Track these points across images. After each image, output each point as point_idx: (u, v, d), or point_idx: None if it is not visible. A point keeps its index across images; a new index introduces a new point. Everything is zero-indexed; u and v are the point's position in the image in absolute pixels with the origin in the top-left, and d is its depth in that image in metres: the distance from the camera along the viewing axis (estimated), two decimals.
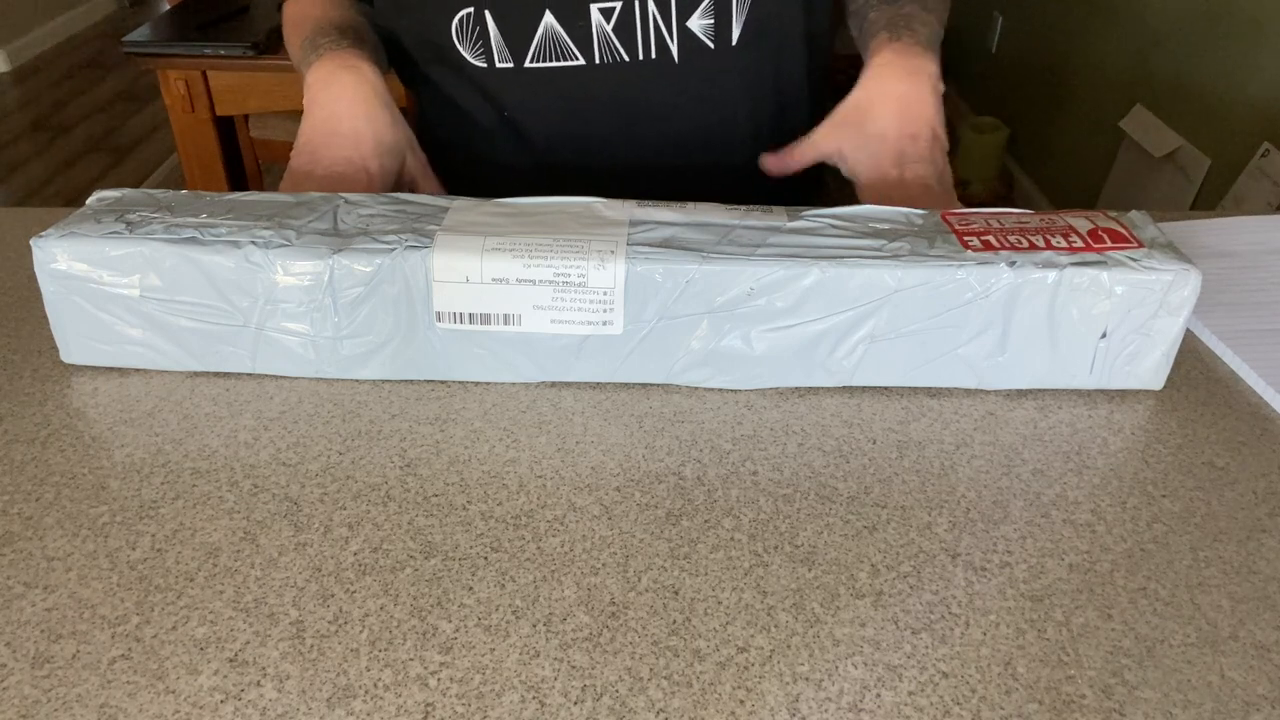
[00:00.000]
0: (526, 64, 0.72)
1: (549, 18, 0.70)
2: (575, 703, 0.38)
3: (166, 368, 0.56)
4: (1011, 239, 0.53)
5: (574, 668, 0.39)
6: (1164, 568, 0.44)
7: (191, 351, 0.55)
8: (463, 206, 0.56)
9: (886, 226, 0.55)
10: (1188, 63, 1.74)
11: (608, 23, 0.70)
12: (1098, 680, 0.39)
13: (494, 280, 0.51)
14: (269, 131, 1.77)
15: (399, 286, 0.52)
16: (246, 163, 1.77)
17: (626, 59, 0.72)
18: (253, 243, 0.52)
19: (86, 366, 0.56)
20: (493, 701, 0.38)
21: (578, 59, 0.72)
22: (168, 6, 1.78)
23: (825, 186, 0.95)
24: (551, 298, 0.51)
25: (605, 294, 0.51)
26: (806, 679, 0.39)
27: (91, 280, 0.53)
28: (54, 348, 0.57)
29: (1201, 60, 1.70)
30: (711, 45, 0.73)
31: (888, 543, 0.45)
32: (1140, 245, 0.53)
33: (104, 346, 0.55)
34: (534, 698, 0.38)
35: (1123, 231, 0.54)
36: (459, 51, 0.73)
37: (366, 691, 0.38)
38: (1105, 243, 0.53)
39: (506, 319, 0.52)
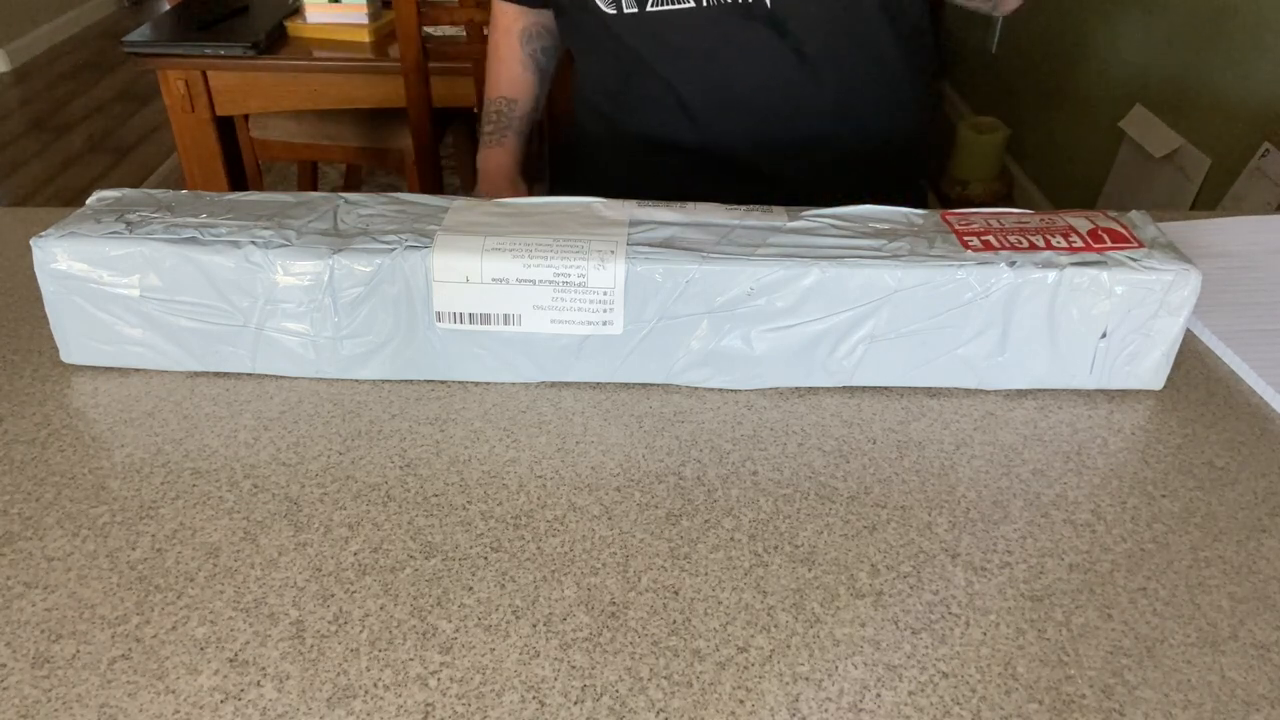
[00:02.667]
0: (648, 9, 0.80)
1: None
2: (575, 703, 0.38)
3: (166, 368, 0.56)
4: (1011, 239, 0.53)
5: (574, 668, 0.39)
6: (1164, 568, 0.44)
7: (191, 351, 0.55)
8: (462, 206, 0.56)
9: (886, 226, 0.55)
10: (1188, 63, 1.74)
11: None
12: (1098, 680, 0.39)
13: (494, 280, 0.51)
14: (269, 131, 1.77)
15: (399, 286, 0.52)
16: (246, 163, 1.77)
17: (728, 1, 0.78)
18: (253, 243, 0.52)
19: (86, 366, 0.56)
20: (493, 701, 0.38)
21: (688, 1, 0.79)
22: (168, 6, 1.78)
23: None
24: (551, 298, 0.51)
25: (605, 294, 0.51)
26: (806, 679, 0.39)
27: (91, 280, 0.53)
28: (54, 348, 0.57)
29: (1201, 60, 1.70)
30: None
31: (888, 543, 0.45)
32: (1140, 245, 0.53)
33: (104, 346, 0.55)
34: (534, 698, 0.38)
35: (1123, 231, 0.54)
36: (594, 1, 0.82)
37: (366, 691, 0.38)
38: (1105, 243, 0.53)
39: (506, 319, 0.52)
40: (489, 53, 0.99)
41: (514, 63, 0.97)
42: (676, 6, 0.80)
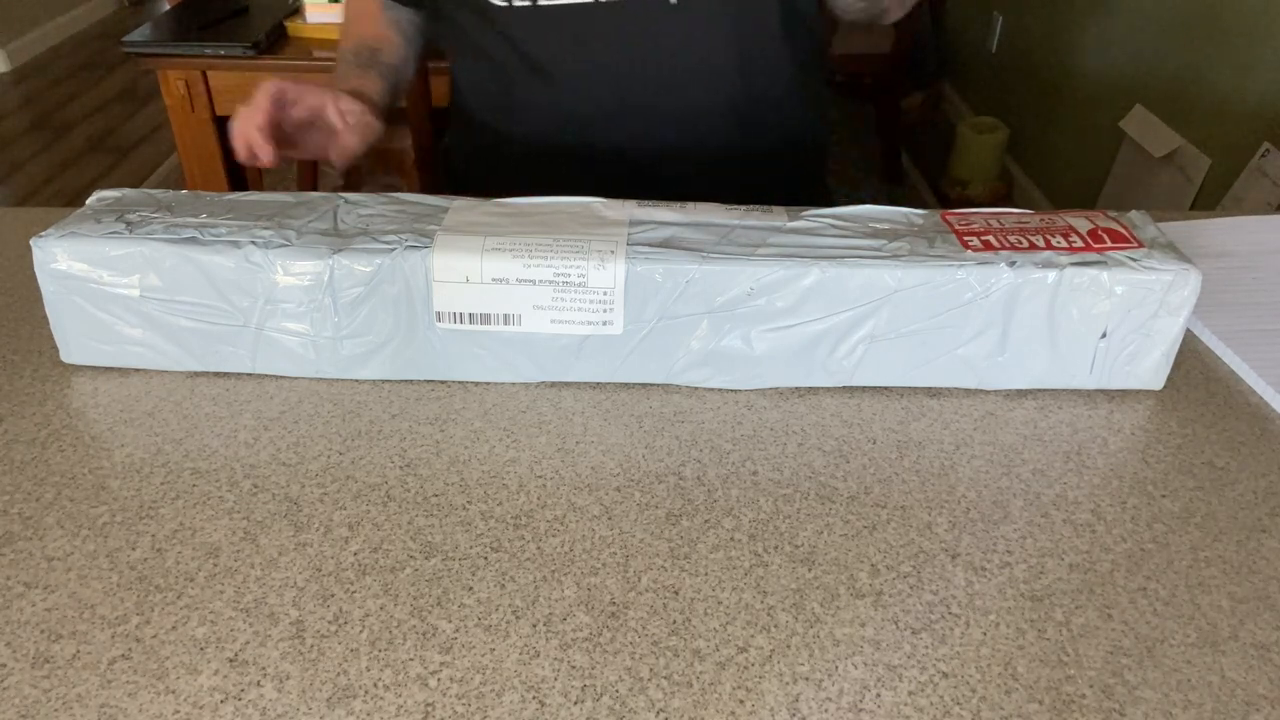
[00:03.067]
0: (540, 1, 0.77)
1: None
2: (575, 703, 0.38)
3: (166, 368, 0.56)
4: (1011, 239, 0.53)
5: (574, 668, 0.39)
6: (1164, 568, 0.44)
7: (191, 351, 0.55)
8: (463, 206, 0.56)
9: (886, 226, 0.55)
10: (1188, 63, 1.74)
11: None
12: (1098, 680, 0.39)
13: (494, 280, 0.51)
14: None
15: (399, 286, 0.52)
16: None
17: None
18: (253, 243, 0.52)
19: (86, 366, 0.56)
20: (493, 701, 0.38)
21: None
22: (168, 6, 1.78)
23: (828, 190, 0.97)
24: (551, 298, 0.51)
25: (605, 294, 0.51)
26: (806, 679, 0.39)
27: (91, 280, 0.53)
28: (54, 348, 0.57)
29: (1201, 60, 1.70)
30: None
31: (888, 543, 0.45)
32: (1140, 245, 0.53)
33: (104, 346, 0.55)
34: (534, 698, 0.38)
35: (1123, 231, 0.54)
36: None
37: (366, 691, 0.38)
38: (1105, 243, 0.53)
39: (506, 319, 0.52)
40: (344, 15, 0.89)
41: (375, 21, 0.87)
42: (572, 1, 0.76)
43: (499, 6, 0.77)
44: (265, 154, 0.65)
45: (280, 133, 0.68)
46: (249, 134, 0.65)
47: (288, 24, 1.61)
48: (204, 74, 1.58)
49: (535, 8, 0.77)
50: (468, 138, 0.91)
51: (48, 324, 0.55)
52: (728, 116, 0.82)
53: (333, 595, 0.42)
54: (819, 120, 0.91)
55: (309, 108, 0.69)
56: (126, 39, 1.55)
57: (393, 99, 0.85)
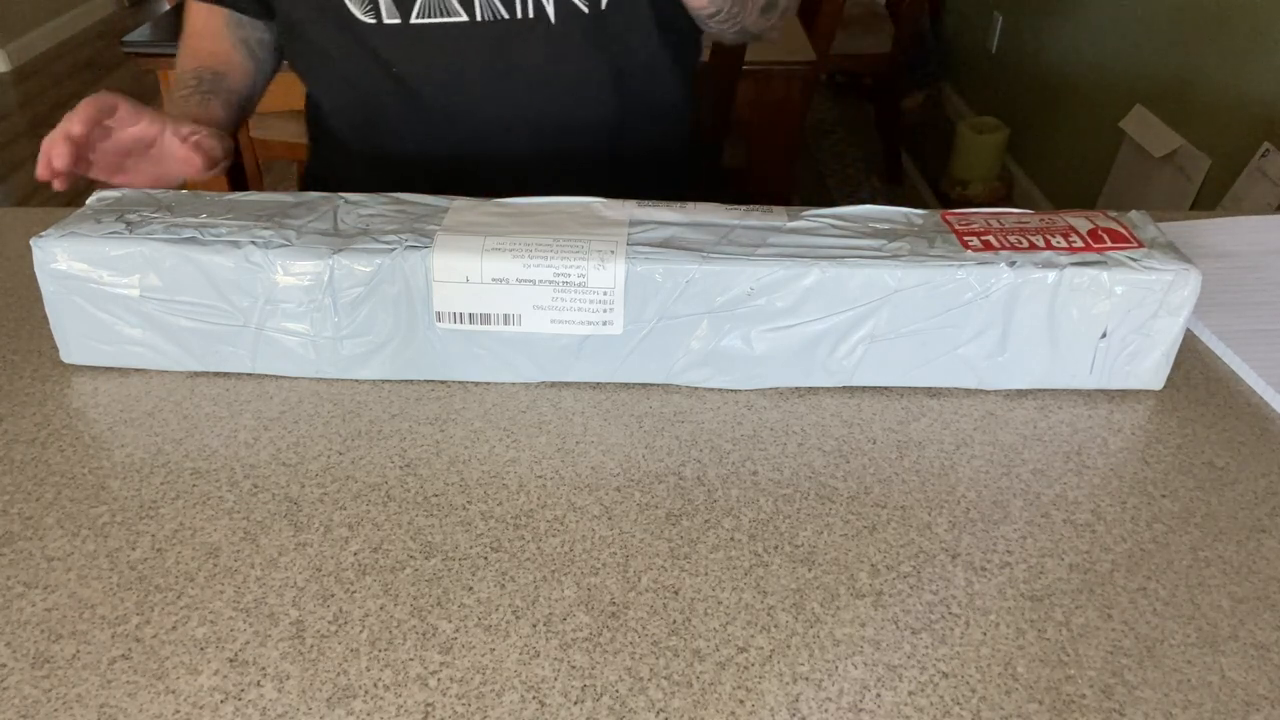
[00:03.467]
0: (412, 19, 0.74)
1: None
2: (575, 703, 0.38)
3: (166, 368, 0.56)
4: (1011, 239, 0.53)
5: (574, 668, 0.39)
6: (1164, 568, 0.44)
7: (191, 351, 0.55)
8: (463, 206, 0.56)
9: (886, 226, 0.55)
10: (1188, 63, 1.74)
11: None
12: (1098, 680, 0.39)
13: (494, 280, 0.51)
14: (269, 131, 1.77)
15: (399, 286, 0.52)
16: (246, 163, 1.77)
17: (506, 16, 0.74)
18: (253, 243, 0.52)
19: (86, 366, 0.56)
20: (493, 701, 0.38)
21: (460, 15, 0.74)
22: (168, 6, 1.78)
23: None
24: (551, 298, 0.51)
25: (605, 294, 0.51)
26: (806, 679, 0.39)
27: (91, 280, 0.53)
28: (54, 348, 0.57)
29: (1201, 60, 1.70)
30: (585, 10, 0.75)
31: (888, 543, 0.45)
32: (1140, 245, 0.53)
33: (104, 346, 0.55)
34: (534, 698, 0.38)
35: (1123, 231, 0.54)
36: (348, 9, 0.75)
37: (366, 691, 0.38)
38: (1105, 243, 0.53)
39: (506, 319, 0.52)
40: (181, 38, 0.83)
41: (220, 41, 0.81)
42: (447, 19, 0.74)
43: (367, 24, 0.75)
44: (60, 162, 0.59)
45: (102, 153, 0.64)
46: (52, 143, 0.60)
47: None
48: None
49: (406, 25, 0.75)
50: (332, 161, 0.87)
51: (48, 324, 0.55)
52: (599, 130, 0.82)
53: (333, 595, 0.42)
54: (686, 129, 0.92)
55: (138, 135, 0.65)
56: (126, 39, 1.55)
57: (237, 127, 0.80)
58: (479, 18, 0.74)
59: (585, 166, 0.83)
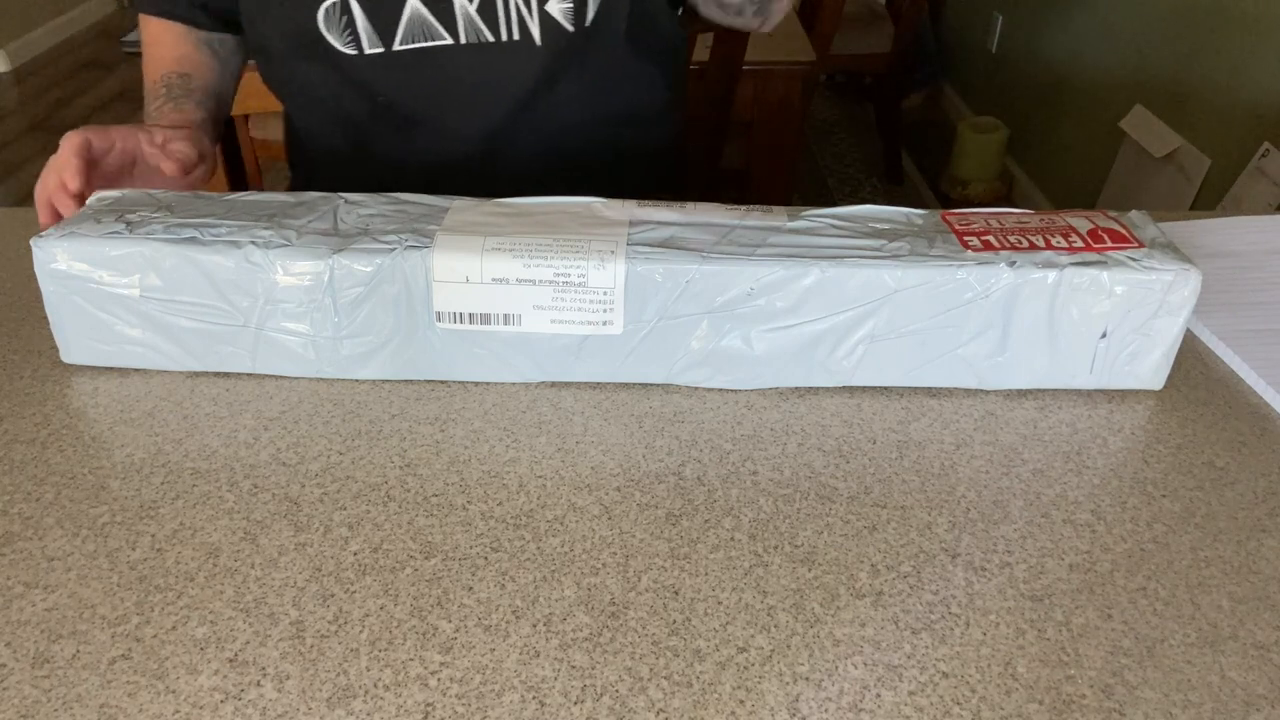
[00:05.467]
0: (395, 47, 0.74)
1: (413, 1, 0.72)
2: (575, 703, 0.38)
3: (166, 368, 0.56)
4: (1011, 239, 0.53)
5: (574, 668, 0.39)
6: (1164, 568, 0.44)
7: (191, 351, 0.55)
8: (463, 206, 0.56)
9: (886, 226, 0.55)
10: (1188, 63, 1.74)
11: (470, 3, 0.72)
12: (1098, 680, 0.39)
13: (494, 280, 0.51)
14: (269, 131, 1.77)
15: (399, 286, 0.52)
16: (246, 163, 1.77)
17: (490, 39, 0.74)
18: (253, 243, 0.52)
19: (86, 366, 0.56)
20: (493, 701, 0.38)
21: (444, 38, 0.74)
22: None
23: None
24: (551, 298, 0.51)
25: (605, 294, 0.51)
26: (806, 679, 0.39)
27: (91, 280, 0.53)
28: (54, 348, 0.57)
29: (1201, 60, 1.70)
30: (570, 28, 0.75)
31: (888, 543, 0.45)
32: (1140, 245, 0.53)
33: (104, 346, 0.55)
34: (534, 698, 0.38)
35: (1123, 231, 0.54)
36: (328, 41, 0.74)
37: (366, 691, 0.38)
38: (1105, 243, 0.53)
39: (506, 319, 0.52)
40: (143, 44, 0.81)
41: (181, 43, 0.79)
42: (431, 44, 0.73)
43: (347, 55, 0.74)
44: (68, 214, 0.60)
45: (97, 182, 0.64)
46: (55, 196, 0.61)
47: None
48: None
49: (389, 54, 0.74)
50: (313, 183, 0.85)
51: (48, 324, 0.55)
52: (586, 140, 0.82)
53: (333, 595, 0.42)
54: (673, 133, 0.93)
55: (122, 152, 0.65)
56: (126, 39, 1.55)
57: (216, 124, 0.79)
58: (463, 40, 0.74)
59: (574, 177, 0.82)
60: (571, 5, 0.74)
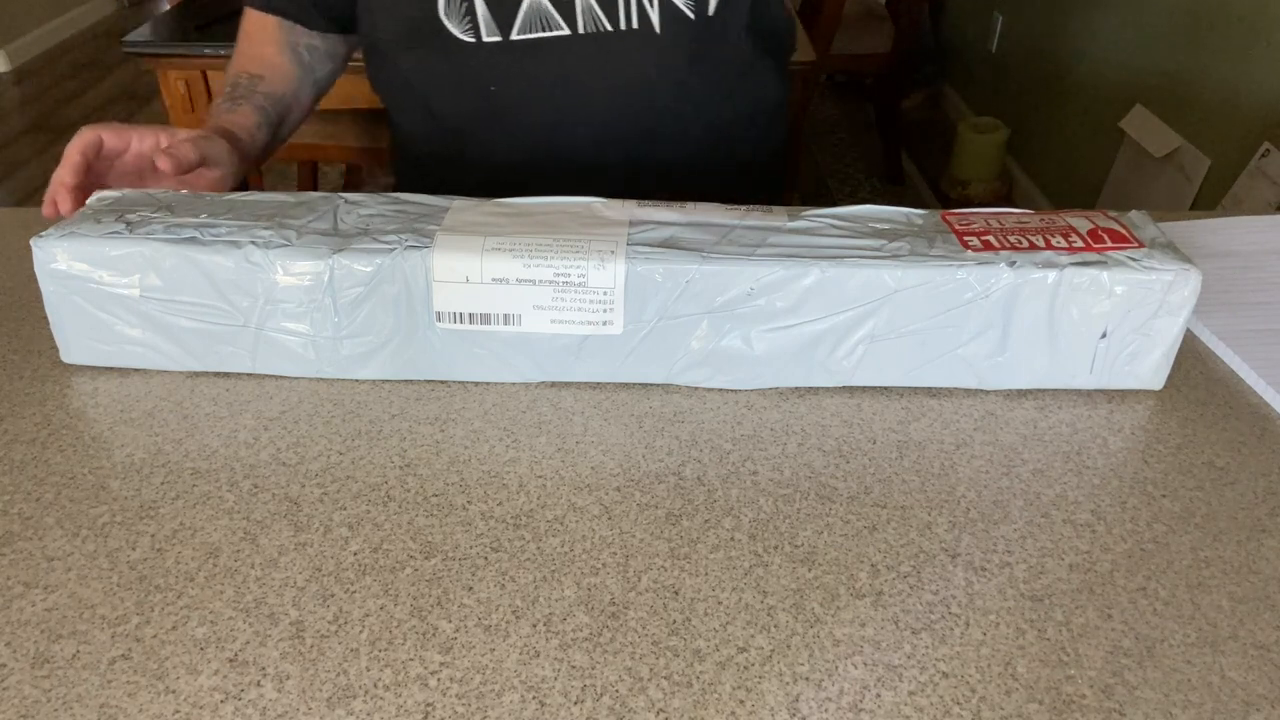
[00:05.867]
0: (513, 36, 0.74)
1: None
2: (575, 703, 0.38)
3: (166, 368, 0.56)
4: (1011, 239, 0.53)
5: (574, 668, 0.39)
6: (1164, 568, 0.44)
7: (191, 351, 0.55)
8: (463, 206, 0.56)
9: (886, 226, 0.55)
10: (1188, 63, 1.74)
11: None
12: (1098, 680, 0.39)
13: (494, 280, 0.51)
14: None
15: (399, 286, 0.52)
16: None
17: (609, 28, 0.73)
18: (253, 243, 0.52)
19: (86, 366, 0.56)
20: (493, 701, 0.38)
21: (562, 29, 0.73)
22: (168, 6, 1.78)
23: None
24: (551, 298, 0.51)
25: (605, 294, 0.51)
26: (806, 679, 0.39)
27: (91, 280, 0.53)
28: (54, 348, 0.57)
29: (1201, 60, 1.70)
30: (692, 16, 0.74)
31: (888, 543, 0.45)
32: (1140, 245, 0.53)
33: (104, 346, 0.55)
34: (534, 698, 0.38)
35: (1123, 231, 0.54)
36: (447, 28, 0.74)
37: (366, 691, 0.38)
38: (1105, 243, 0.53)
39: (506, 319, 0.52)
40: (238, 41, 0.82)
41: (266, 46, 0.80)
42: (548, 34, 0.73)
43: (466, 43, 0.74)
44: (66, 208, 0.61)
45: (116, 179, 0.64)
46: (55, 192, 0.61)
47: None
48: (204, 74, 1.58)
49: (507, 42, 0.74)
50: (415, 186, 0.87)
51: (48, 324, 0.55)
52: (703, 136, 0.81)
53: (333, 595, 0.42)
54: (784, 133, 0.92)
55: (138, 154, 0.65)
56: (126, 39, 1.55)
57: (274, 131, 0.78)
58: (581, 30, 0.73)
59: (684, 175, 0.82)
60: None
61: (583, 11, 0.73)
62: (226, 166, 0.69)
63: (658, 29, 0.74)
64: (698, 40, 0.76)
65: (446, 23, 0.74)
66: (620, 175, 0.79)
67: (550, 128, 0.78)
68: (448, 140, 0.81)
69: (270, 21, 0.80)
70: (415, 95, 0.81)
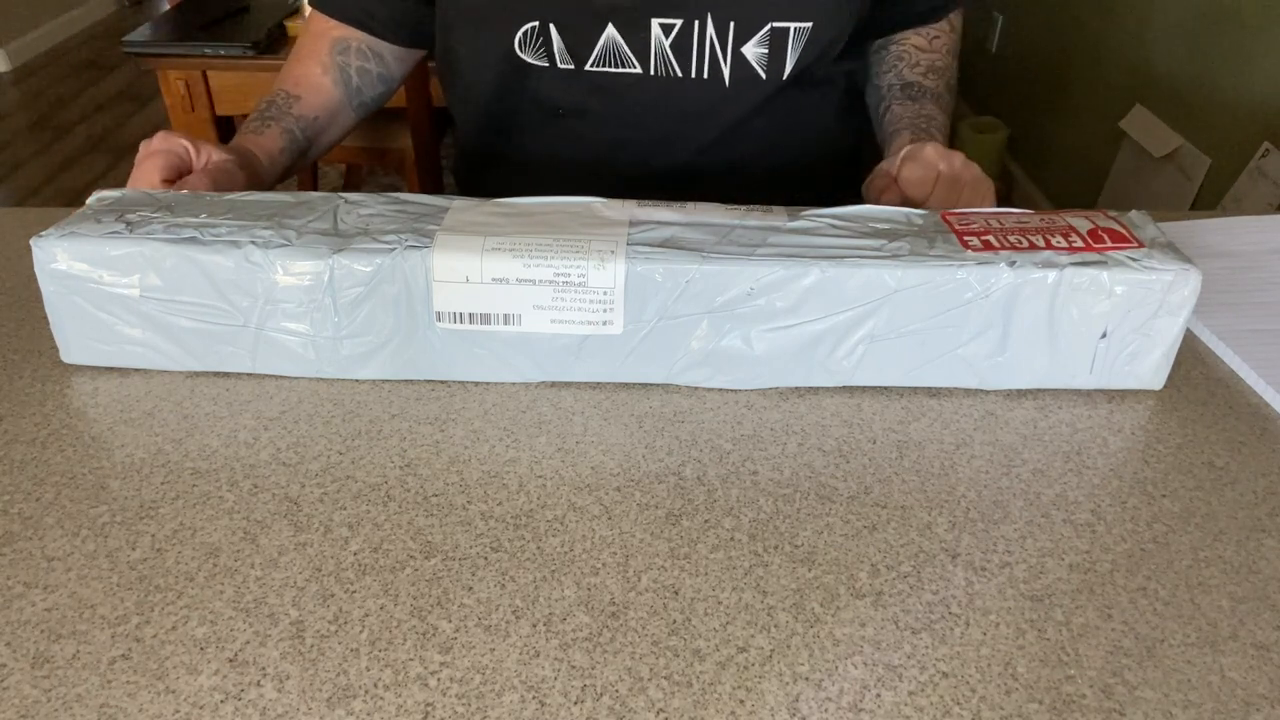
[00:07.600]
0: (588, 68, 0.74)
1: (610, 29, 0.72)
2: (575, 703, 0.38)
3: (166, 368, 0.56)
4: (1011, 239, 0.53)
5: (574, 668, 0.39)
6: (1164, 568, 0.44)
7: (191, 351, 0.55)
8: (463, 206, 0.56)
9: (886, 226, 0.55)
10: (1188, 63, 1.74)
11: (666, 38, 0.72)
12: (1098, 680, 0.39)
13: (494, 280, 0.51)
14: None
15: (399, 286, 0.52)
16: None
17: (680, 75, 0.74)
18: (253, 243, 0.52)
19: (86, 366, 0.56)
20: (493, 701, 0.38)
21: (635, 68, 0.74)
22: (168, 6, 1.78)
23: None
24: (551, 298, 0.51)
25: (605, 294, 0.51)
26: (806, 679, 0.39)
27: (91, 280, 0.53)
28: (54, 348, 0.57)
29: (1201, 60, 1.70)
30: (763, 75, 0.75)
31: (888, 543, 0.45)
32: (1140, 245, 0.53)
33: (104, 346, 0.55)
34: (534, 698, 0.38)
35: (1123, 231, 0.54)
36: (521, 57, 0.75)
37: (366, 691, 0.38)
38: (1105, 242, 0.53)
39: (506, 319, 0.52)
40: (292, 50, 0.83)
41: (312, 63, 0.80)
42: (622, 70, 0.74)
43: (539, 67, 0.75)
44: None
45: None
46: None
47: (288, 23, 1.61)
48: (204, 74, 1.58)
49: (580, 71, 0.74)
50: (470, 176, 0.88)
51: (48, 324, 0.55)
52: (764, 180, 0.81)
53: (333, 595, 0.42)
54: (849, 159, 0.91)
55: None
56: (126, 39, 1.55)
57: (300, 154, 0.77)
58: (654, 72, 0.74)
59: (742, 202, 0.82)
60: (767, 52, 0.73)
61: (655, 54, 0.73)
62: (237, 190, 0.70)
63: (727, 84, 0.74)
64: (768, 99, 0.76)
65: (522, 54, 0.75)
66: (675, 194, 0.80)
67: (613, 146, 0.79)
68: (509, 148, 0.83)
69: (324, 42, 0.80)
70: (480, 103, 0.82)
